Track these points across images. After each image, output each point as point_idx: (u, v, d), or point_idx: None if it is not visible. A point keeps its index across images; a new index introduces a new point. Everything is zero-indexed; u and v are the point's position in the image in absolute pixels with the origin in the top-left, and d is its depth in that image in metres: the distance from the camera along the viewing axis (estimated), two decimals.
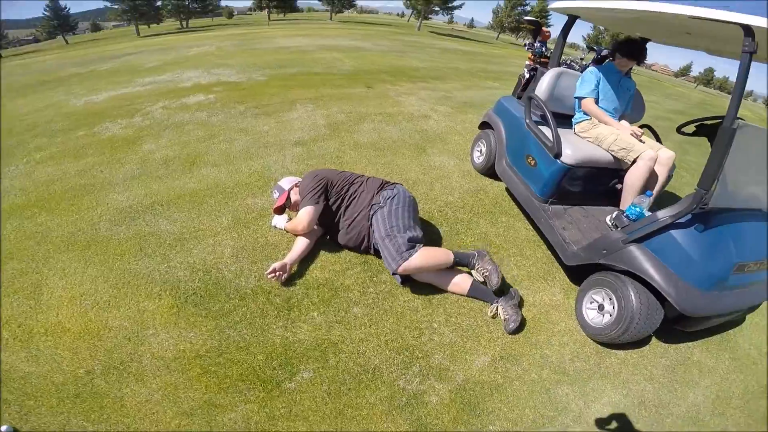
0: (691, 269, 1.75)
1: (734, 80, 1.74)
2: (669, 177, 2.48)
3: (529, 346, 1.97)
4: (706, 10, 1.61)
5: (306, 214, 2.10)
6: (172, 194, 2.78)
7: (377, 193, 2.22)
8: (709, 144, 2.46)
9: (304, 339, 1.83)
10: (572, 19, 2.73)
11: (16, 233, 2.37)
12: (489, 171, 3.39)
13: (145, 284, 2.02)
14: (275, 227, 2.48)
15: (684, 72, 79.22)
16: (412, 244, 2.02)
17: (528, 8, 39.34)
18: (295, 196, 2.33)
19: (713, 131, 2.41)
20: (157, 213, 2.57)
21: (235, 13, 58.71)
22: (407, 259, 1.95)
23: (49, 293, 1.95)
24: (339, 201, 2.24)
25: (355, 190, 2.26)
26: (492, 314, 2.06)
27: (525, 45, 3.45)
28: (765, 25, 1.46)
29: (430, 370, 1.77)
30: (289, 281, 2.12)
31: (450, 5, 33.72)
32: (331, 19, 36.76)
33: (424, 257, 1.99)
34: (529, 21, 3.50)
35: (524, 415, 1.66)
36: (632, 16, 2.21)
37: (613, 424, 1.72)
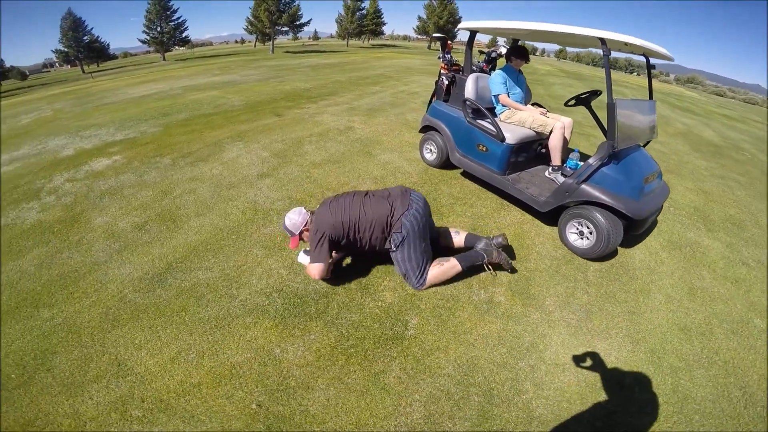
0: (624, 187, 2.61)
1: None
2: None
3: (525, 250, 2.87)
4: (574, 27, 2.59)
5: (316, 271, 2.22)
6: (182, 251, 2.77)
7: (389, 234, 2.27)
8: (586, 109, 3.62)
9: (391, 301, 2.31)
10: (473, 33, 3.69)
11: (31, 333, 2.12)
12: (444, 164, 4.08)
13: (232, 321, 2.15)
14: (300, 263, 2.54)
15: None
16: (423, 272, 2.34)
17: (365, 12, 42.98)
18: (307, 239, 2.35)
19: (587, 101, 3.53)
20: (183, 269, 2.57)
21: (28, 73, 47.76)
22: (423, 284, 2.36)
23: (140, 365, 1.91)
24: (350, 244, 2.31)
25: (362, 237, 2.28)
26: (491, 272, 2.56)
27: (439, 57, 4.25)
28: (613, 37, 2.45)
29: (485, 283, 2.48)
30: (351, 271, 2.52)
31: (298, 23, 34.58)
32: (164, 59, 33.66)
33: (434, 276, 2.36)
34: (437, 37, 4.32)
35: (557, 290, 2.51)
36: (522, 31, 3.18)
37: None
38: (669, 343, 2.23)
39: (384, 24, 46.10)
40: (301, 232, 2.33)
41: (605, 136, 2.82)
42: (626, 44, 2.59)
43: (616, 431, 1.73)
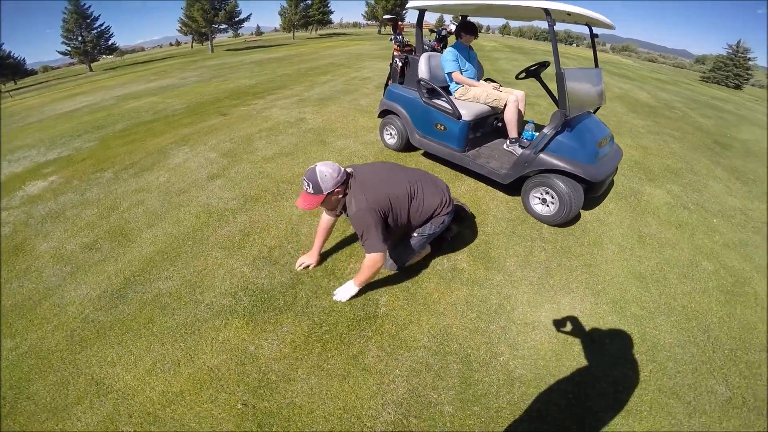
0: (579, 153, 2.71)
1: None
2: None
3: (482, 215, 3.01)
4: (517, 0, 2.58)
5: (380, 260, 1.99)
6: (138, 264, 2.62)
7: (420, 225, 2.20)
8: (536, 81, 3.65)
9: None
10: (422, 12, 3.64)
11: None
12: (405, 147, 4.07)
13: (202, 326, 2.08)
14: (338, 300, 2.22)
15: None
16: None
17: (309, 2, 41.52)
18: (331, 205, 2.05)
19: (536, 73, 3.53)
20: (142, 282, 2.45)
21: None
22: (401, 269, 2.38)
23: (118, 381, 1.82)
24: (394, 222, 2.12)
25: (404, 220, 2.12)
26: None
27: (391, 39, 4.20)
28: (556, 7, 2.47)
29: (446, 252, 2.58)
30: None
31: (237, 20, 32.95)
32: (91, 70, 30.98)
33: (411, 262, 2.42)
34: (388, 19, 4.25)
35: (516, 250, 2.65)
36: (468, 7, 3.23)
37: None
38: (628, 293, 2.36)
39: (331, 12, 44.90)
40: (329, 194, 1.90)
41: (557, 106, 2.91)
42: (569, 14, 2.62)
43: (597, 385, 1.78)
